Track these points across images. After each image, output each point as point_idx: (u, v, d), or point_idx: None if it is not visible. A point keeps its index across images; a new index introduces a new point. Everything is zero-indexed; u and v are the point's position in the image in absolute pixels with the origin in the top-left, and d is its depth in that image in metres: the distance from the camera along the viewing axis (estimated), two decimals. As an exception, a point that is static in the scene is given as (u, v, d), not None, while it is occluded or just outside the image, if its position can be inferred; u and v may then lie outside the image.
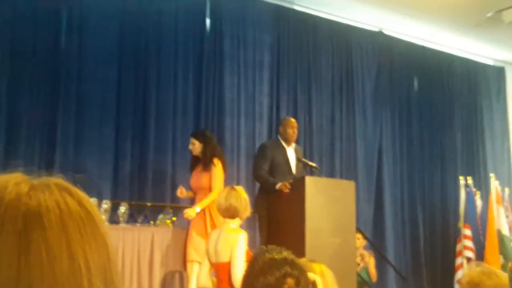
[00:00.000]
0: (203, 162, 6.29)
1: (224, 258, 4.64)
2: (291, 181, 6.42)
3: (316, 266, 3.26)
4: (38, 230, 0.72)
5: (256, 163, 6.81)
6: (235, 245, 4.60)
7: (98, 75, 7.25)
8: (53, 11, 7.07)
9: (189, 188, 6.51)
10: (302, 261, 3.29)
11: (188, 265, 6.03)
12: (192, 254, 5.98)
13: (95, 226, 0.77)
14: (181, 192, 6.45)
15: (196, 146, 6.38)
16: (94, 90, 7.21)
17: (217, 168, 6.19)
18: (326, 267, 3.27)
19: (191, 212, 6.06)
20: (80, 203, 0.78)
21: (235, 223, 4.87)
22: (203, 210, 6.10)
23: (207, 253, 4.92)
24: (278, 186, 6.35)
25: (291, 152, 6.84)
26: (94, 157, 7.05)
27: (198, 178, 6.33)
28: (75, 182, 0.83)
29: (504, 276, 2.66)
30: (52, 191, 0.76)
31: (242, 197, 4.89)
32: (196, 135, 6.51)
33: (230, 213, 4.83)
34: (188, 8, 8.01)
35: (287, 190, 6.27)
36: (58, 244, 0.72)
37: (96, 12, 7.31)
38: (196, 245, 5.96)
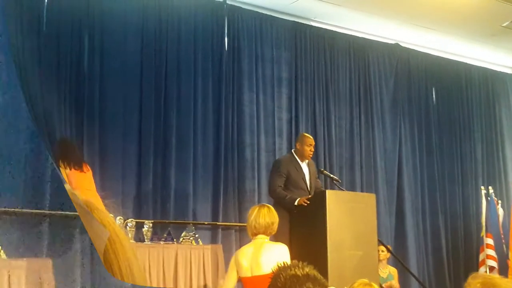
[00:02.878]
0: None
1: (267, 270, 4.68)
2: (309, 196, 6.46)
3: None
4: None
5: (271, 181, 6.78)
6: (281, 256, 4.68)
7: (119, 96, 7.35)
8: (75, 35, 7.19)
9: None
10: (359, 281, 3.32)
11: None
12: None
13: None
14: None
15: None
16: (116, 111, 7.31)
17: None
18: None
19: None
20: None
21: (267, 237, 4.97)
22: None
23: (240, 268, 4.90)
24: (297, 202, 6.34)
25: (305, 167, 6.81)
26: (118, 175, 7.15)
27: None
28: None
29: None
30: None
31: (275, 213, 5.00)
32: None
33: (265, 229, 4.93)
34: (207, 27, 8.12)
35: (306, 205, 6.27)
36: None
37: (117, 34, 7.44)
38: None
